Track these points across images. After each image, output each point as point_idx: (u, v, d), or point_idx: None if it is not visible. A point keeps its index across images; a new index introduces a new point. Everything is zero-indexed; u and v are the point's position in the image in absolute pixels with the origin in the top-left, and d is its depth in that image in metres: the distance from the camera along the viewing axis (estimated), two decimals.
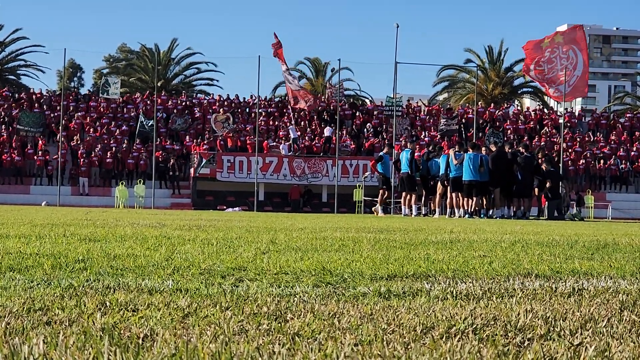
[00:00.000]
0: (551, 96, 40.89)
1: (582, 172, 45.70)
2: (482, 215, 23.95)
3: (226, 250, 5.99)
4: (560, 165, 37.48)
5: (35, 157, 42.68)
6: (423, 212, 25.99)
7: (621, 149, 47.31)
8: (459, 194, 24.29)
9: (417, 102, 51.78)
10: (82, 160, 42.05)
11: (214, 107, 47.16)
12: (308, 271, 4.46)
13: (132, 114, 46.60)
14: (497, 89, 65.96)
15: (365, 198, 34.93)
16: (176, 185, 43.36)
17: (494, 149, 25.15)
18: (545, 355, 2.29)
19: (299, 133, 44.84)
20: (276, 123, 46.93)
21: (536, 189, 25.03)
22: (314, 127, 46.81)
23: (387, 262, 5.19)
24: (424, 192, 26.19)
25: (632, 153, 47.41)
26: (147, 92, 52.85)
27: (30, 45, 66.51)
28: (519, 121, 49.16)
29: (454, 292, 3.63)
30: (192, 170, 42.61)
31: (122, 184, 41.43)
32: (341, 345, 2.32)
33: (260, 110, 45.42)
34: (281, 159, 42.50)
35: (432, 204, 26.15)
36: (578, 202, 40.14)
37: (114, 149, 43.17)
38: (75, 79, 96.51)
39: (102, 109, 46.79)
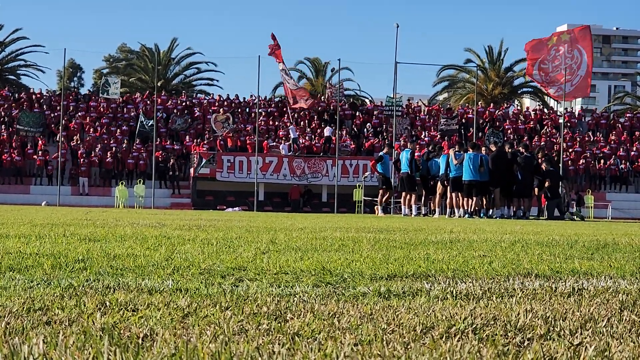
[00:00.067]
0: (552, 96, 40.91)
1: (582, 172, 45.70)
2: (482, 215, 23.95)
3: (226, 250, 5.99)
4: (560, 165, 37.50)
5: (35, 157, 42.69)
6: (423, 212, 25.99)
7: (621, 149, 47.31)
8: (459, 193, 24.29)
9: (417, 102, 51.75)
10: (82, 160, 42.06)
11: (214, 107, 47.16)
12: (308, 271, 4.46)
13: (132, 114, 46.60)
14: (497, 89, 65.95)
15: (365, 198, 34.94)
16: (176, 185, 43.36)
17: (494, 148, 25.16)
18: (545, 355, 2.29)
19: (298, 133, 44.84)
20: (276, 123, 46.93)
21: (536, 189, 25.04)
22: (313, 127, 46.80)
23: (387, 262, 5.19)
24: (423, 192, 26.20)
25: (632, 153, 47.41)
26: (147, 92, 52.84)
27: (30, 45, 66.61)
28: (519, 121, 49.15)
29: (454, 292, 3.62)
30: (192, 170, 42.60)
31: (122, 184, 41.43)
32: (341, 345, 2.32)
33: (260, 110, 45.41)
34: (281, 159, 42.48)
35: (432, 204, 26.14)
36: (578, 202, 40.18)
37: (114, 149, 43.17)
38: (75, 79, 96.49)
39: (102, 109, 46.78)
